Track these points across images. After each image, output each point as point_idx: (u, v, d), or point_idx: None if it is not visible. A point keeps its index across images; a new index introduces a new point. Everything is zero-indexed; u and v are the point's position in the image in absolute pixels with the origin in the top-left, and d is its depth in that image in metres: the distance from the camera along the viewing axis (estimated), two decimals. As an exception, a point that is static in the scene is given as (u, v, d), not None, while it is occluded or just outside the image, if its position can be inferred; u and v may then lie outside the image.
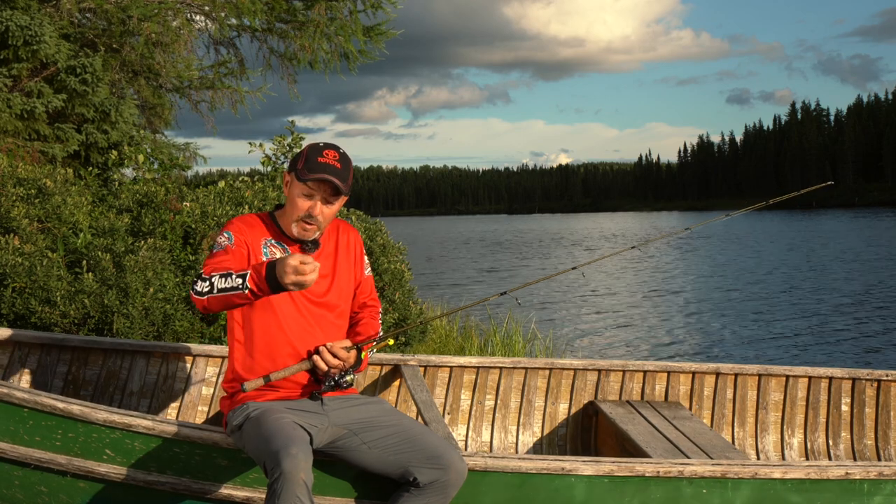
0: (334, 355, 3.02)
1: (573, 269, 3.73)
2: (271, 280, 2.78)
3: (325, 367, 3.01)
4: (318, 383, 3.05)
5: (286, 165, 7.45)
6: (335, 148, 3.08)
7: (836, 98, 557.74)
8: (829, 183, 4.40)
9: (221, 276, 2.87)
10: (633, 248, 4.14)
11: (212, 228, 5.66)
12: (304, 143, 7.98)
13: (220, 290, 2.85)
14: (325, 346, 3.03)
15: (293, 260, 2.72)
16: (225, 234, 3.05)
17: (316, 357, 3.02)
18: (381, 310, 3.40)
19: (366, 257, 3.35)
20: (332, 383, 3.02)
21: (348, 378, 3.04)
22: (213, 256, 3.00)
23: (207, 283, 2.88)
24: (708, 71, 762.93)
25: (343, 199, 3.13)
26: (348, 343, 3.09)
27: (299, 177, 3.02)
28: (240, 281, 2.82)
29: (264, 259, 3.05)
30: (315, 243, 3.14)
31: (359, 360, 3.12)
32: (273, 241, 3.11)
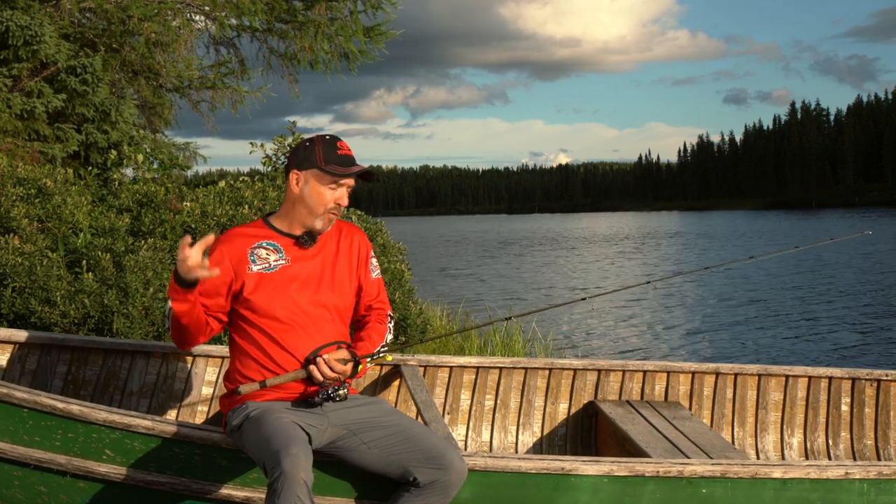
0: (331, 368, 3.01)
1: (582, 299, 3.75)
2: (178, 279, 2.90)
3: (321, 378, 3.01)
4: (316, 386, 3.04)
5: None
6: (341, 139, 3.15)
7: (835, 98, 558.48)
8: (867, 232, 4.50)
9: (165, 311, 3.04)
10: (647, 282, 4.23)
11: (211, 228, 5.66)
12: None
13: (166, 318, 3.03)
14: (322, 357, 3.02)
15: (178, 252, 2.86)
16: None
17: (312, 367, 3.01)
18: (389, 313, 3.36)
19: (374, 260, 3.32)
20: (325, 396, 3.01)
21: (341, 392, 3.02)
22: None
23: (164, 319, 3.06)
24: (705, 71, 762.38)
25: None
26: (345, 355, 3.06)
27: (326, 171, 3.06)
28: (169, 302, 2.98)
29: (254, 268, 3.09)
30: (312, 237, 3.15)
31: (355, 371, 3.11)
32: (265, 244, 3.12)
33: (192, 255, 2.81)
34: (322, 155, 3.06)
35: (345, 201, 3.12)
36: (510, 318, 3.46)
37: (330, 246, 3.21)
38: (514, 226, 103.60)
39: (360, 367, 3.12)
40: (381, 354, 3.20)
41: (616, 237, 58.30)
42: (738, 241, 45.96)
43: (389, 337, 3.29)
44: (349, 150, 3.11)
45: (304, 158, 3.10)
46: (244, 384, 3.01)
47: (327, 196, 3.08)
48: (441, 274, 29.26)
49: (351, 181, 3.11)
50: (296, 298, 3.07)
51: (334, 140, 3.11)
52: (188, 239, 2.84)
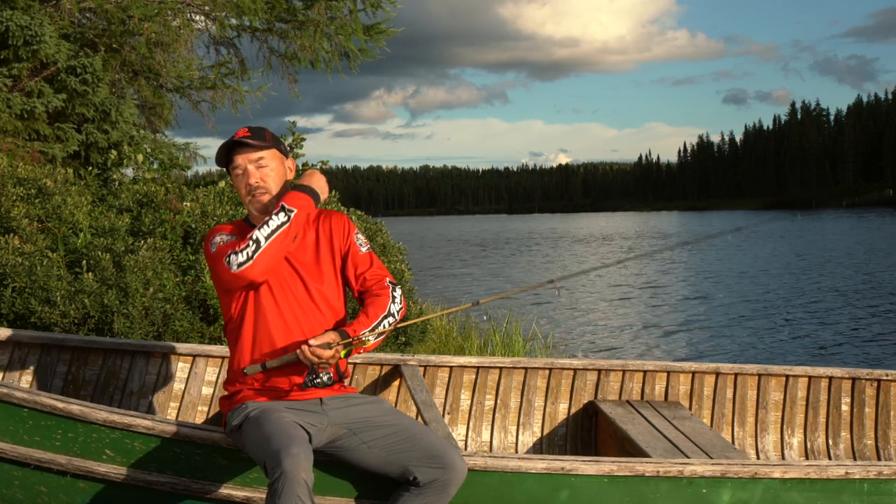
0: (315, 354, 2.95)
1: (550, 282, 3.51)
2: (309, 190, 3.05)
3: (307, 363, 2.98)
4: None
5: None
6: (246, 127, 3.15)
7: (834, 98, 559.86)
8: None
9: (259, 229, 2.96)
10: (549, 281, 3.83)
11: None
12: (305, 144, 8.01)
13: (268, 238, 2.95)
14: (307, 343, 2.96)
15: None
16: (217, 237, 3.10)
17: (298, 352, 2.99)
18: (389, 279, 3.21)
19: (360, 235, 3.25)
20: (309, 382, 2.97)
21: (324, 378, 2.97)
22: (225, 246, 3.04)
23: (250, 244, 2.95)
24: (704, 71, 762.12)
25: (277, 157, 3.13)
26: (331, 338, 2.99)
27: (225, 167, 3.15)
28: (282, 215, 2.97)
29: None
30: None
31: (348, 352, 3.06)
32: None
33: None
34: (222, 151, 3.13)
35: (253, 179, 3.07)
36: (477, 302, 3.36)
37: (310, 236, 3.18)
38: (513, 226, 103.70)
39: (351, 348, 3.05)
40: (373, 332, 3.07)
41: (610, 237, 58.29)
42: (727, 240, 45.89)
43: (395, 306, 3.14)
44: (245, 132, 3.09)
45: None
46: (247, 367, 3.02)
47: (238, 186, 3.13)
48: (438, 274, 29.26)
49: (241, 159, 3.07)
50: (284, 294, 3.07)
51: (235, 133, 3.13)
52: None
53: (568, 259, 36.88)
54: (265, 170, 3.09)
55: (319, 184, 3.16)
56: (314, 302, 3.12)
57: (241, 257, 2.93)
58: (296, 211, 2.99)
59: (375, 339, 3.10)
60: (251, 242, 2.94)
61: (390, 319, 3.12)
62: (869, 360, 12.08)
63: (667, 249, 4.16)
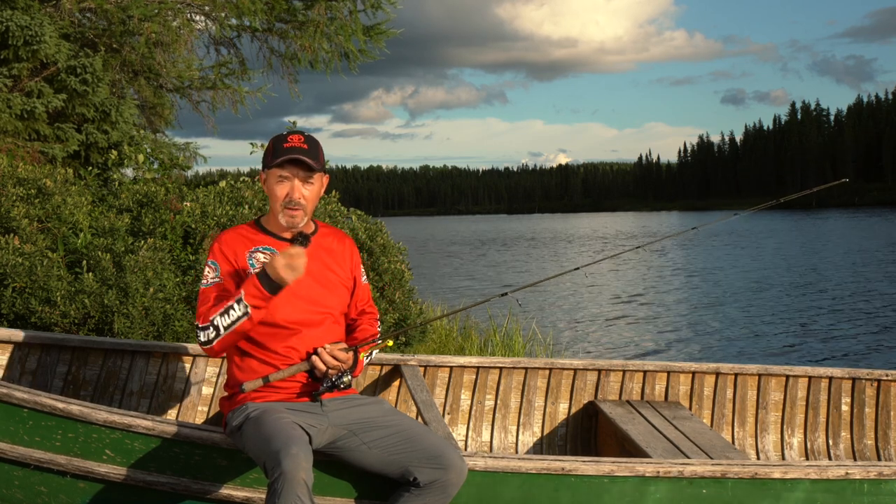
0: (333, 357, 3.02)
1: (576, 269, 3.73)
2: (267, 285, 2.89)
3: (324, 368, 3.02)
4: (317, 382, 3.06)
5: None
6: (300, 132, 3.11)
7: (833, 98, 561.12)
8: (844, 180, 4.42)
9: (220, 315, 2.95)
10: (637, 247, 4.27)
11: (212, 228, 5.66)
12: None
13: (226, 329, 2.95)
14: (323, 347, 3.03)
15: (278, 256, 2.90)
16: (210, 265, 3.08)
17: (314, 358, 3.02)
18: (378, 316, 3.39)
19: (362, 266, 3.35)
20: (330, 384, 3.03)
21: (345, 380, 3.04)
22: (204, 298, 3.04)
23: (210, 328, 2.96)
24: (702, 71, 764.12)
25: (322, 178, 3.13)
26: (344, 345, 3.09)
27: (270, 166, 3.05)
28: (241, 308, 2.92)
29: (252, 271, 3.06)
30: (305, 239, 3.12)
31: (356, 362, 3.12)
32: (261, 248, 3.11)
33: (302, 258, 2.91)
34: (271, 151, 3.07)
35: (297, 195, 3.05)
36: (506, 293, 3.46)
37: (325, 248, 3.20)
38: (511, 226, 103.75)
39: (360, 357, 3.14)
40: (381, 342, 3.21)
41: (601, 238, 58.36)
42: (716, 241, 45.92)
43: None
44: (301, 142, 3.05)
45: (264, 158, 3.13)
46: (247, 382, 3.01)
47: (278, 191, 3.07)
48: (438, 274, 29.28)
49: (293, 170, 3.03)
50: (295, 303, 3.07)
51: (286, 135, 3.10)
52: (299, 248, 2.92)
53: (566, 260, 36.89)
54: (309, 191, 3.09)
55: (274, 271, 2.93)
56: (324, 312, 3.13)
57: (203, 337, 2.98)
58: (252, 309, 2.93)
59: (368, 359, 3.25)
60: (212, 328, 2.96)
61: (374, 342, 3.24)
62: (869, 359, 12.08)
63: (627, 251, 4.21)
